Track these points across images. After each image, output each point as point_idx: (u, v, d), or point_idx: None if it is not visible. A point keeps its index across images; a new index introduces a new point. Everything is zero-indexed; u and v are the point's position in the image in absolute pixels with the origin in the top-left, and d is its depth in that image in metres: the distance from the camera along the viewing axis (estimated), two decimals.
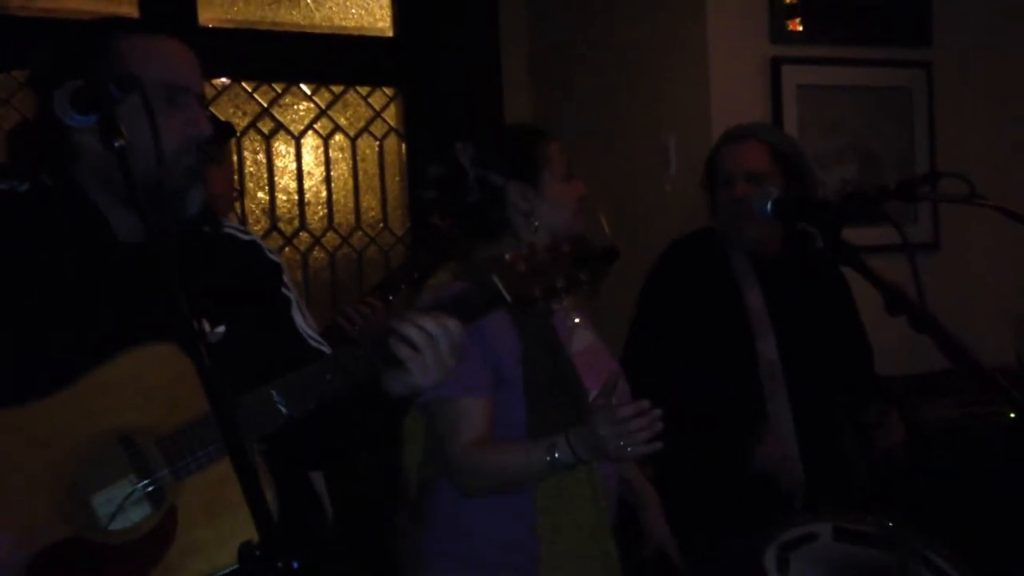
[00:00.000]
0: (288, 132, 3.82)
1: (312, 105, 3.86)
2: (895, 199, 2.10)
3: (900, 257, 1.78)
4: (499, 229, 2.09)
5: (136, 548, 1.41)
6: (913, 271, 1.72)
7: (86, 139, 1.46)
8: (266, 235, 3.74)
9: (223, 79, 3.64)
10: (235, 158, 3.59)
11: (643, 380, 2.25)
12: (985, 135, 3.58)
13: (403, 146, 4.00)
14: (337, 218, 3.90)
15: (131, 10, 3.47)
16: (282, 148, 3.83)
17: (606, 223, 2.22)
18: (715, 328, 2.51)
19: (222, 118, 3.36)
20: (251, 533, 1.20)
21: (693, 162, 3.22)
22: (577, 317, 2.15)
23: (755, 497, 2.40)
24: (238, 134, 3.64)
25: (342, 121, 3.91)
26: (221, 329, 1.49)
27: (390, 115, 3.98)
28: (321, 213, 3.89)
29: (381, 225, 3.97)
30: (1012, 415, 2.84)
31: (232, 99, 3.70)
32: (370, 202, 3.97)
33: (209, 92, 3.44)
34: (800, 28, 3.33)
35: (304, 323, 1.70)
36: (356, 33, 3.91)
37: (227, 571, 1.38)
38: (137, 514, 1.42)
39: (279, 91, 3.79)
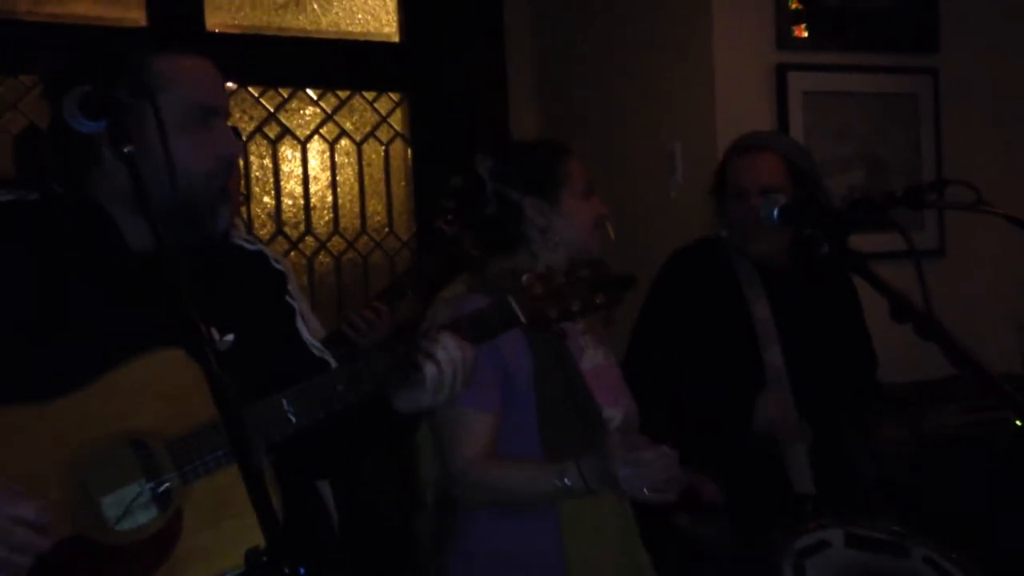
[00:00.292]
0: (294, 137, 3.83)
1: (318, 110, 3.87)
2: (901, 206, 2.09)
3: (906, 264, 1.78)
4: (515, 243, 2.09)
5: (141, 549, 1.42)
6: (920, 278, 1.71)
7: (101, 148, 1.47)
8: (272, 239, 3.75)
9: (229, 84, 3.64)
10: (241, 163, 3.60)
11: (646, 385, 2.25)
12: (992, 142, 3.58)
13: (409, 151, 4.01)
14: (343, 223, 3.91)
15: (139, 16, 3.49)
16: (288, 153, 3.84)
17: (611, 229, 2.22)
18: (721, 336, 2.50)
19: (228, 123, 3.37)
20: (256, 538, 1.20)
21: (698, 168, 3.23)
22: (587, 336, 2.16)
23: (761, 497, 2.40)
24: (244, 139, 3.65)
25: (348, 126, 3.92)
26: (230, 338, 1.50)
27: (396, 120, 3.99)
28: (327, 218, 3.90)
29: (387, 230, 3.98)
30: (1018, 422, 2.84)
31: (238, 104, 3.71)
32: (376, 207, 3.97)
33: None
34: (806, 34, 3.33)
35: (307, 332, 1.71)
36: (362, 38, 3.92)
37: (231, 575, 1.39)
38: (144, 516, 1.43)
39: (285, 96, 3.80)
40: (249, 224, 3.69)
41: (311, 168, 3.86)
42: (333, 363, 1.67)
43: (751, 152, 2.54)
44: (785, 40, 3.30)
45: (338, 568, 2.31)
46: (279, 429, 1.47)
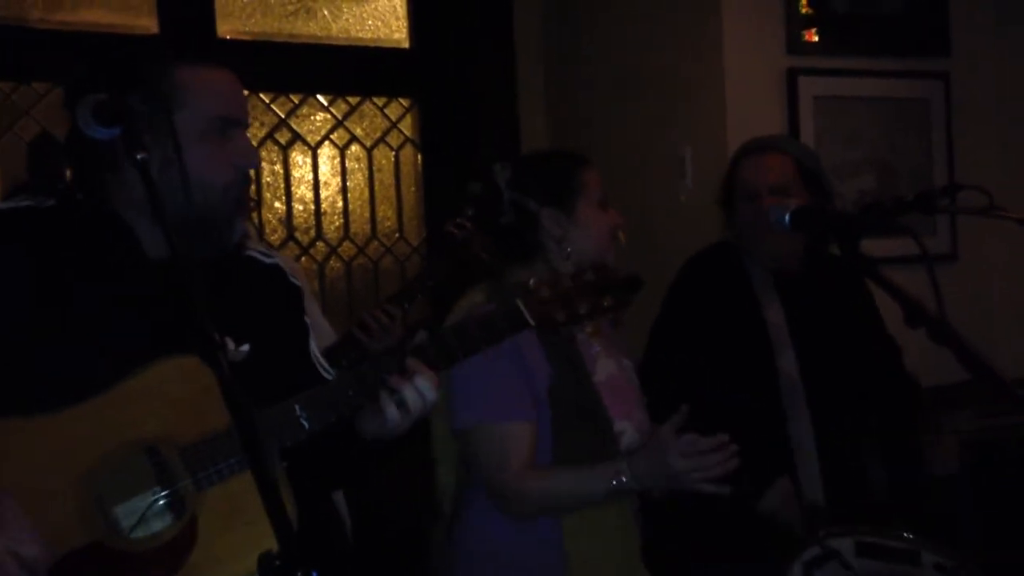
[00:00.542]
0: (305, 143, 3.84)
1: (329, 116, 3.88)
2: (913, 210, 2.09)
3: (918, 269, 1.78)
4: (532, 252, 2.10)
5: (156, 556, 1.42)
6: (932, 283, 1.71)
7: (118, 156, 1.47)
8: (283, 245, 3.76)
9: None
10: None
11: (662, 392, 2.25)
12: (1003, 146, 3.57)
13: (419, 157, 4.01)
14: (353, 228, 3.92)
15: (150, 23, 3.50)
16: (299, 159, 3.85)
17: (622, 234, 2.22)
18: (735, 343, 2.49)
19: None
20: (271, 544, 1.21)
21: (709, 173, 3.22)
22: (600, 346, 2.16)
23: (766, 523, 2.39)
24: (256, 145, 3.66)
25: (358, 132, 3.93)
26: (245, 348, 1.50)
27: (406, 126, 4.00)
28: (337, 223, 3.91)
29: (397, 235, 3.98)
30: None
31: (250, 110, 3.70)
32: (386, 212, 3.98)
33: None
34: (816, 39, 3.32)
35: (317, 350, 1.72)
36: (372, 44, 3.93)
37: None
38: (159, 523, 1.43)
39: (296, 102, 3.81)
40: (260, 230, 3.71)
41: (322, 174, 3.87)
42: None
43: (760, 152, 2.53)
44: (795, 44, 3.29)
45: (351, 574, 2.32)
46: (292, 434, 1.48)
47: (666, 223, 3.41)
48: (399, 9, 3.97)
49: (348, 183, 3.91)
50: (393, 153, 3.98)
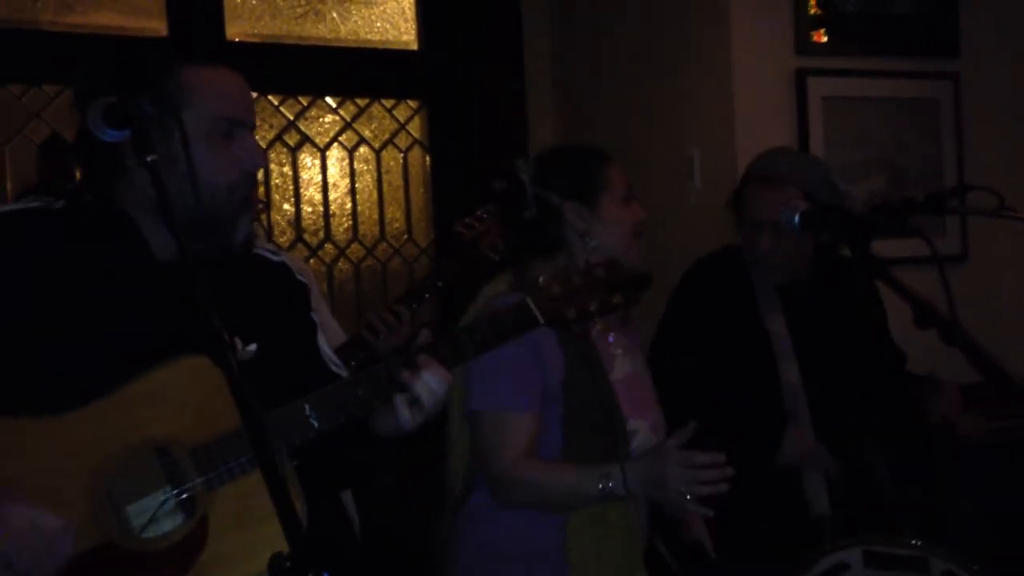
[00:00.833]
0: (314, 145, 3.85)
1: (337, 118, 3.89)
2: (924, 212, 2.08)
3: (928, 269, 1.77)
4: (555, 246, 2.11)
5: (167, 556, 1.43)
6: (943, 283, 1.70)
7: (126, 158, 1.48)
8: (291, 246, 3.76)
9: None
10: (261, 170, 3.62)
11: (667, 393, 2.24)
12: (1013, 146, 3.56)
13: (427, 158, 4.02)
14: (362, 229, 3.92)
15: (160, 26, 3.52)
16: (308, 160, 3.86)
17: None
18: (738, 352, 2.47)
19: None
20: (280, 544, 1.21)
21: (717, 174, 3.22)
22: (620, 347, 2.16)
23: (782, 520, 2.38)
24: (264, 147, 3.67)
25: (367, 133, 3.93)
26: (253, 347, 1.51)
27: (415, 127, 4.00)
28: (346, 225, 3.91)
29: (405, 237, 3.99)
30: None
31: (259, 112, 3.70)
32: (394, 214, 3.99)
33: None
34: (825, 39, 3.32)
35: (327, 347, 1.72)
36: (381, 46, 3.94)
37: None
38: (170, 523, 1.44)
39: (305, 104, 3.82)
40: (269, 231, 3.71)
41: (330, 175, 3.88)
42: None
43: (768, 184, 2.45)
44: (804, 45, 3.29)
45: (360, 573, 2.32)
46: (301, 433, 1.48)
47: (674, 224, 3.40)
48: (408, 11, 3.98)
49: (357, 185, 3.92)
50: (402, 155, 3.99)
